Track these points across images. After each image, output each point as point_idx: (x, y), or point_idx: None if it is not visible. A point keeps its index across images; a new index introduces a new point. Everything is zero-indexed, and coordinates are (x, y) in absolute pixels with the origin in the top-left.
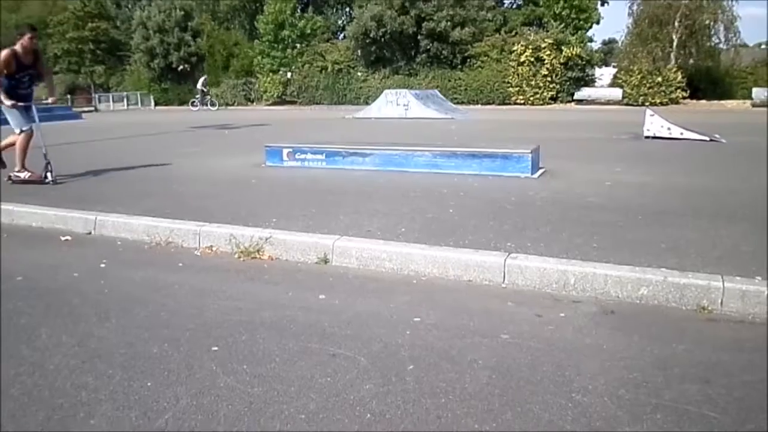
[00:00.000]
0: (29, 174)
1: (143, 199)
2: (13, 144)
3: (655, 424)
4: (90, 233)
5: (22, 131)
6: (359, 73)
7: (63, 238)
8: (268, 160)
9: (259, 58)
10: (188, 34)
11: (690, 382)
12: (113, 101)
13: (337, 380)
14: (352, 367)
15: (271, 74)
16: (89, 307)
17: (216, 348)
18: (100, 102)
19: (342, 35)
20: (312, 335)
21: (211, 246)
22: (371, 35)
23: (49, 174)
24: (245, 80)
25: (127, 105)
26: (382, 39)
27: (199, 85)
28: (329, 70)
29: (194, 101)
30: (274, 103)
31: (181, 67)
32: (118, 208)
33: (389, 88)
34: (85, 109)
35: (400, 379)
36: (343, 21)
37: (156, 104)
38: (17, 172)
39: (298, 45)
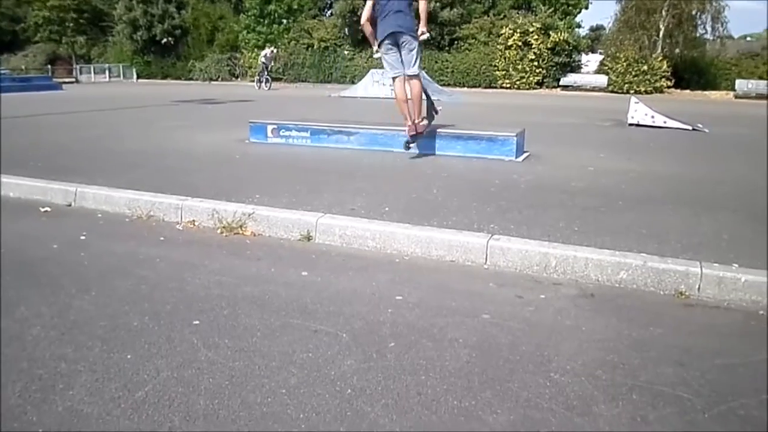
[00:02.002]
0: None
1: (125, 172)
2: None
3: (631, 404)
4: (70, 205)
5: None
6: (346, 52)
7: (42, 210)
8: (252, 137)
9: (245, 32)
10: (172, 6)
11: (665, 365)
12: (95, 73)
13: (318, 356)
14: (334, 343)
15: (256, 50)
16: (69, 278)
17: (197, 322)
18: (81, 73)
19: (329, 12)
20: (294, 311)
21: (194, 220)
22: (359, 13)
23: None
24: (230, 55)
25: (109, 77)
26: None
27: (262, 58)
28: (315, 47)
29: (259, 78)
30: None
31: (165, 39)
32: (99, 180)
33: (376, 67)
34: (66, 80)
35: (381, 355)
36: None
37: (139, 77)
38: None
39: (284, 20)
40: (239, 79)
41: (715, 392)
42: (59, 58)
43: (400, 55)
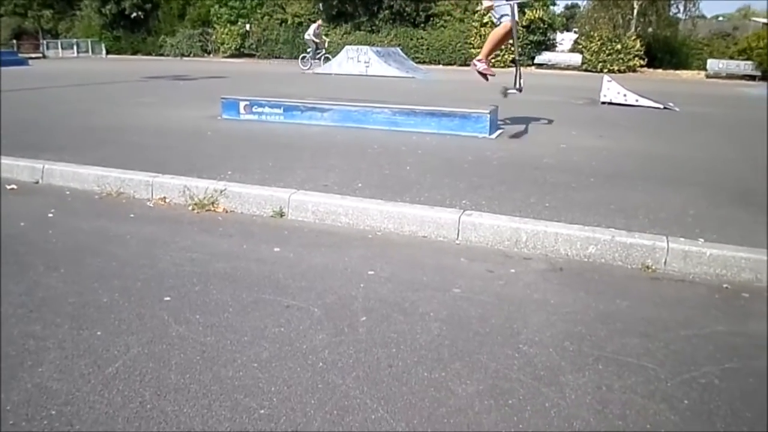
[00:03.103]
0: None
1: (94, 149)
2: None
3: (596, 374)
4: (37, 182)
5: None
6: None
7: (9, 187)
8: (225, 113)
9: (217, 7)
10: None
11: (631, 336)
12: (62, 48)
13: (290, 330)
14: (306, 317)
15: (229, 25)
16: (37, 256)
17: (168, 298)
18: (48, 48)
19: None
20: (266, 286)
21: (164, 197)
22: None
23: None
24: (202, 30)
25: (77, 52)
26: None
27: (309, 34)
28: (289, 23)
29: (305, 56)
30: (232, 56)
31: (134, 14)
32: (67, 157)
33: (350, 44)
34: (32, 55)
35: (353, 329)
36: None
37: (108, 53)
38: None
39: None
40: (212, 55)
41: (678, 362)
42: (25, 33)
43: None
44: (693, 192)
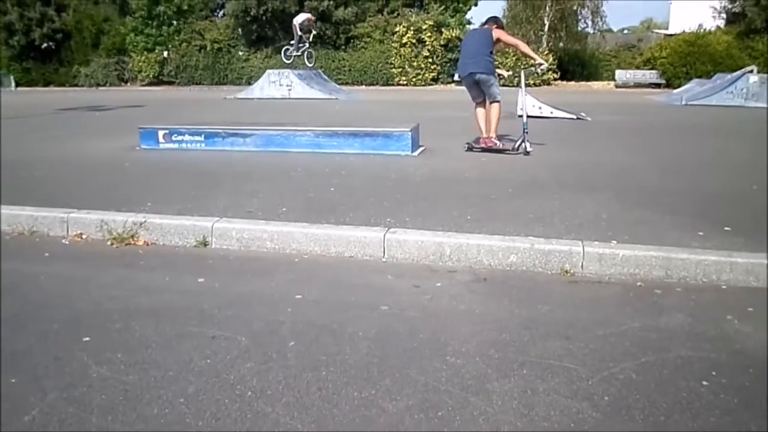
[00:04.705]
0: None
1: (3, 187)
2: None
3: (521, 379)
4: None
5: None
6: (240, 53)
7: None
8: (143, 143)
9: (132, 35)
10: (51, 9)
11: (553, 339)
12: None
13: (217, 361)
14: (233, 347)
15: (145, 53)
16: None
17: (88, 338)
18: None
19: (221, 12)
20: (191, 319)
21: (81, 233)
22: (252, 13)
23: None
24: (118, 59)
25: None
26: (264, 17)
27: (298, 21)
28: (209, 48)
29: (288, 48)
30: (150, 84)
31: (45, 44)
32: None
33: (272, 68)
34: None
35: (282, 355)
36: None
37: (17, 85)
38: None
39: (174, 22)
40: (129, 83)
41: (598, 360)
42: None
43: (480, 90)
44: (605, 197)
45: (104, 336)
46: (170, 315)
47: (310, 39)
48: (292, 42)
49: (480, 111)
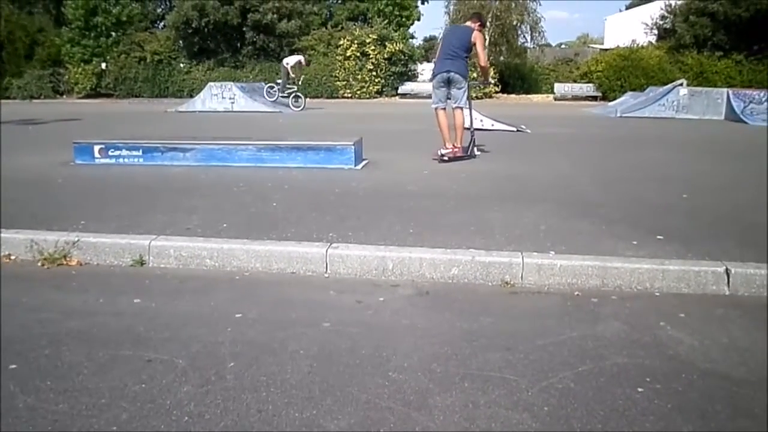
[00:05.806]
0: None
1: None
2: None
3: (463, 392)
4: None
5: None
6: (182, 65)
7: None
8: (78, 158)
9: (68, 46)
10: None
11: (493, 351)
12: None
13: (152, 386)
14: (169, 370)
15: (82, 64)
16: None
17: (14, 366)
18: None
19: (162, 24)
20: (125, 342)
21: (9, 254)
22: (193, 25)
23: None
24: (53, 70)
25: None
26: (206, 29)
27: (288, 63)
28: (148, 60)
29: (272, 87)
30: (87, 96)
31: None
32: None
33: (214, 80)
34: None
35: (220, 377)
36: (162, 9)
37: None
38: None
39: (113, 33)
40: (65, 96)
41: (537, 371)
42: None
43: (449, 91)
44: (543, 208)
45: (32, 363)
46: (103, 338)
47: (299, 82)
48: (278, 81)
49: (442, 116)
